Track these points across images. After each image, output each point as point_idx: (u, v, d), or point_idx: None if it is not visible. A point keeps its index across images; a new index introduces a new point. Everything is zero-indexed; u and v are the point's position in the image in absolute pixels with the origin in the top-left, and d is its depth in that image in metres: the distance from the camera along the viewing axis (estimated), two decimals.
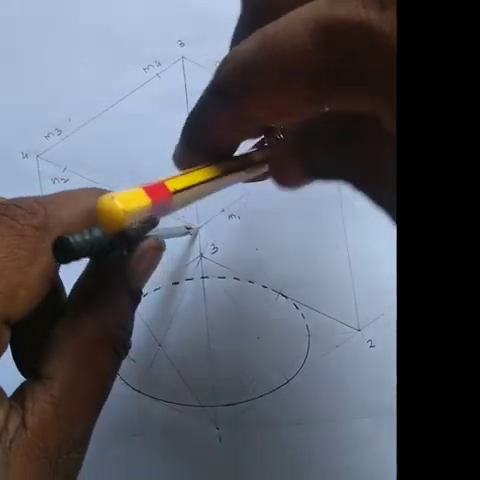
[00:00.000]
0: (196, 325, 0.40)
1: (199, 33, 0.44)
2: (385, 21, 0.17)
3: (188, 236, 0.42)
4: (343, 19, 0.18)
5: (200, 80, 0.44)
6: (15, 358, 0.26)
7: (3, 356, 0.24)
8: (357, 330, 0.40)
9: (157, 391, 0.40)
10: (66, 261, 0.20)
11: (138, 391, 0.40)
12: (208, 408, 0.39)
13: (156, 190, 0.20)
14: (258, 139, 0.30)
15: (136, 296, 0.27)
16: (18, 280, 0.22)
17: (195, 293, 0.41)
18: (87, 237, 0.20)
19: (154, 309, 0.40)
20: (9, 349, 0.24)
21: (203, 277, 0.41)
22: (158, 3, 0.45)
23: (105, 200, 0.18)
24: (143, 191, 0.19)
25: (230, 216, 0.42)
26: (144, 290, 0.40)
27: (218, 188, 0.26)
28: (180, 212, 0.41)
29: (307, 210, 0.42)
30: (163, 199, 0.20)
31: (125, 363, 0.38)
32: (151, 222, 0.22)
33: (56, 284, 0.27)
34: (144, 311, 0.40)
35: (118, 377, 0.39)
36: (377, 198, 0.24)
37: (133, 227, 0.21)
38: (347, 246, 0.41)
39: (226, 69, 0.23)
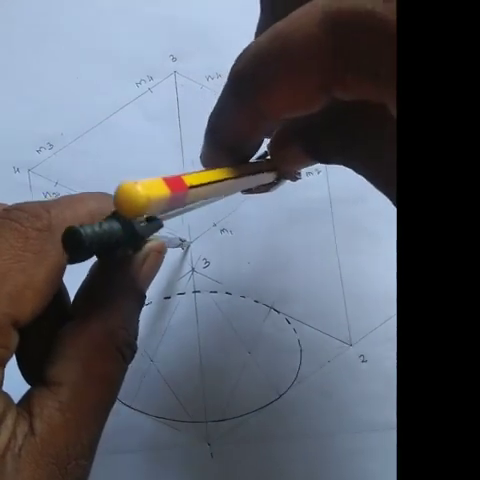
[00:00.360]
0: (188, 340, 0.40)
1: (191, 48, 0.45)
2: (390, 10, 0.18)
3: (180, 251, 0.42)
4: (349, 9, 0.19)
5: (192, 95, 0.44)
6: (20, 364, 0.26)
7: (9, 363, 0.24)
8: (349, 345, 0.40)
9: (148, 406, 0.39)
10: (75, 252, 0.20)
11: (129, 406, 0.39)
12: (199, 424, 0.39)
13: (174, 182, 0.20)
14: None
15: (140, 299, 0.27)
16: (24, 282, 0.22)
17: (187, 307, 0.41)
18: (97, 229, 0.20)
19: (146, 324, 0.40)
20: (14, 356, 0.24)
21: (195, 291, 0.41)
22: (150, 18, 0.45)
23: (127, 186, 0.18)
24: (163, 181, 0.19)
25: (222, 230, 0.42)
26: None
27: (230, 190, 0.27)
28: (172, 226, 0.41)
29: (299, 225, 0.42)
30: (180, 192, 0.20)
31: None
32: (158, 223, 0.23)
33: (60, 288, 0.26)
34: None
35: None
36: (376, 179, 0.25)
37: (142, 223, 0.21)
38: (339, 261, 0.41)
39: (240, 64, 0.23)
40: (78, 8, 0.45)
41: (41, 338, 0.25)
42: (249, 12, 0.46)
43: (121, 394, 0.39)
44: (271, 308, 0.41)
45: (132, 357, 0.26)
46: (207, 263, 0.42)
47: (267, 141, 0.29)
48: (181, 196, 0.21)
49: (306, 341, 0.40)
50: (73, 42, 0.45)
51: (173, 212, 0.25)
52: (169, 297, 0.41)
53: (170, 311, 0.41)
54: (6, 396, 0.23)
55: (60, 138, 0.43)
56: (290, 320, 0.40)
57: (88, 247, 0.20)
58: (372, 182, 0.25)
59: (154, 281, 0.40)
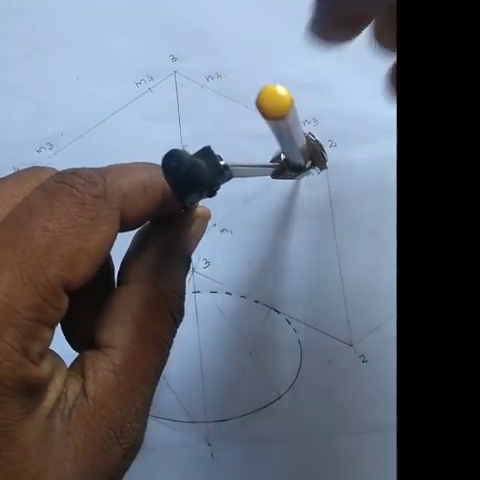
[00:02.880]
0: (188, 340, 0.40)
1: (191, 48, 0.44)
2: None
3: None
4: None
5: (192, 95, 0.44)
6: (65, 330, 0.26)
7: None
8: (349, 345, 0.40)
9: None
10: (171, 170, 0.21)
11: None
12: (200, 424, 0.39)
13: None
14: None
15: (188, 264, 0.28)
16: (78, 246, 0.22)
17: (187, 308, 0.40)
18: (191, 158, 0.21)
19: None
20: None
21: (195, 292, 0.41)
22: (150, 18, 0.45)
23: (271, 87, 0.18)
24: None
25: (222, 230, 0.42)
26: None
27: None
28: None
29: (299, 225, 0.42)
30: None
31: None
32: (229, 175, 0.24)
33: (110, 268, 0.27)
34: None
35: None
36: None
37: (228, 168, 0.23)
38: (339, 261, 0.41)
39: None
40: (78, 8, 0.45)
41: (87, 303, 0.25)
42: (249, 12, 0.46)
43: None
44: (271, 308, 0.41)
45: (181, 320, 0.27)
46: (207, 263, 0.41)
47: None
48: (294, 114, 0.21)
49: (306, 341, 0.40)
50: (73, 42, 0.45)
51: (240, 167, 0.26)
52: None
53: None
54: (55, 357, 0.23)
55: (60, 138, 0.43)
56: (290, 320, 0.40)
57: (186, 172, 0.20)
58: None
59: None
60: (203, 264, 0.42)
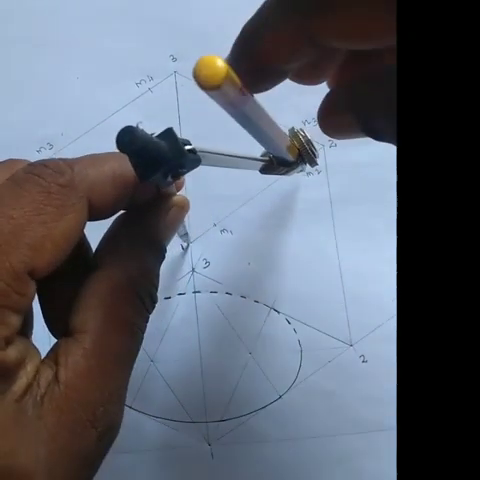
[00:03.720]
0: (188, 340, 0.40)
1: (191, 48, 0.44)
2: None
3: (180, 250, 0.42)
4: None
5: (192, 95, 0.44)
6: (46, 320, 0.27)
7: (40, 319, 0.25)
8: (349, 345, 0.40)
9: (148, 407, 0.39)
10: (125, 148, 0.21)
11: (129, 407, 0.39)
12: (200, 424, 0.39)
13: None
14: None
15: (161, 252, 0.28)
16: (43, 234, 0.22)
17: (187, 308, 0.41)
18: (148, 135, 0.21)
19: None
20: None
21: (195, 292, 0.41)
22: (150, 18, 0.45)
23: (208, 57, 0.18)
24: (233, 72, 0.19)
25: (222, 231, 0.42)
26: None
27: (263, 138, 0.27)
28: None
29: (299, 225, 0.42)
30: (245, 90, 0.21)
31: None
32: (197, 157, 0.24)
33: (82, 241, 0.27)
34: None
35: None
36: None
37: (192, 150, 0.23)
38: (339, 261, 0.41)
39: None
40: (78, 8, 0.45)
41: (66, 291, 0.26)
42: (249, 12, 0.46)
43: None
44: (271, 308, 0.41)
45: (153, 307, 0.27)
46: (207, 263, 0.42)
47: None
48: (245, 96, 0.21)
49: (306, 341, 0.40)
50: (73, 42, 0.45)
51: (210, 154, 0.26)
52: (169, 297, 0.41)
53: (170, 311, 0.41)
54: (28, 344, 0.24)
55: (60, 138, 0.43)
56: (290, 320, 0.40)
57: (140, 147, 0.20)
58: None
59: None
60: (203, 264, 0.42)
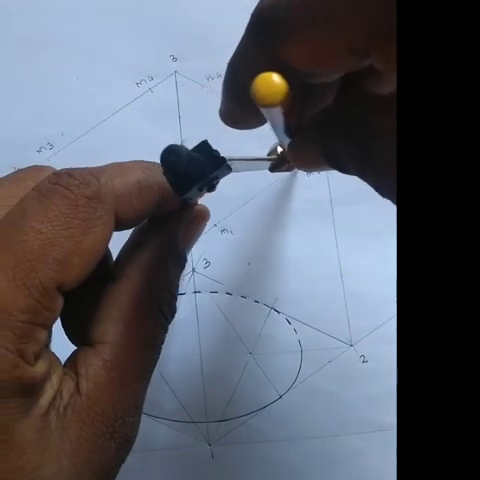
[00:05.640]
0: (188, 340, 0.40)
1: (191, 48, 0.44)
2: None
3: None
4: None
5: (192, 95, 0.44)
6: (65, 327, 0.27)
7: (59, 327, 0.25)
8: (349, 345, 0.40)
9: (148, 407, 0.39)
10: (170, 164, 0.21)
11: None
12: (200, 424, 0.39)
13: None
14: None
15: (182, 262, 0.28)
16: (71, 248, 0.22)
17: (187, 308, 0.41)
18: (189, 152, 0.21)
19: None
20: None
21: (195, 292, 0.41)
22: (150, 18, 0.45)
23: (265, 74, 0.18)
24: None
25: (222, 231, 0.42)
26: None
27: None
28: None
29: (299, 225, 0.42)
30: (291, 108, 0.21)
31: None
32: (228, 168, 0.24)
33: (110, 267, 0.27)
34: None
35: None
36: (392, 195, 0.22)
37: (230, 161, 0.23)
38: (339, 261, 0.41)
39: (267, 2, 0.21)
40: (78, 8, 0.45)
41: (86, 300, 0.26)
42: (249, 12, 0.46)
43: None
44: (271, 308, 0.41)
45: (172, 317, 0.27)
46: (207, 263, 0.41)
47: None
48: (292, 112, 0.21)
49: (307, 341, 0.40)
50: (73, 42, 0.45)
51: (238, 161, 0.26)
52: None
53: None
54: (52, 356, 0.24)
55: (60, 138, 0.43)
56: (290, 320, 0.40)
57: (184, 167, 0.21)
58: (387, 197, 0.23)
59: None
60: (203, 264, 0.42)
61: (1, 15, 0.45)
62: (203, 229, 0.30)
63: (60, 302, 0.22)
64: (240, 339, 0.40)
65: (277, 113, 0.20)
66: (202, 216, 0.29)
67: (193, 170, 0.22)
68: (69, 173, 0.23)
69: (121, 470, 0.38)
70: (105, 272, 0.27)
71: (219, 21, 0.44)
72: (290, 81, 0.21)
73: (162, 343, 0.26)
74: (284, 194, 0.42)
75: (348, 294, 0.41)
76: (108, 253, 0.28)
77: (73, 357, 0.24)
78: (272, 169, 0.34)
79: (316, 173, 0.42)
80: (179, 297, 0.41)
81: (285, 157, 0.33)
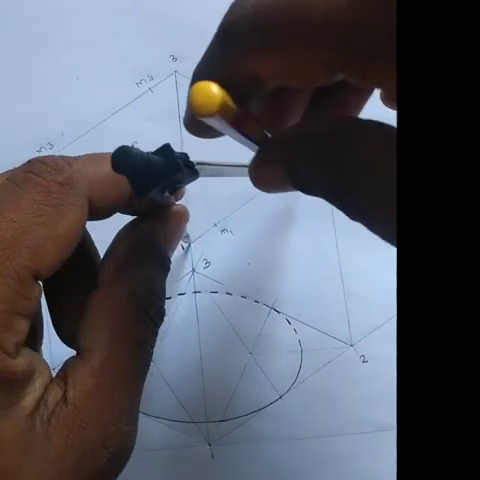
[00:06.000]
0: (188, 340, 0.40)
1: (191, 48, 0.44)
2: None
3: (180, 251, 0.42)
4: None
5: None
6: (55, 325, 0.27)
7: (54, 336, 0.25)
8: (349, 345, 0.40)
9: (148, 407, 0.39)
10: (121, 169, 0.20)
11: None
12: (200, 424, 0.39)
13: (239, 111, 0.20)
14: None
15: (165, 263, 0.28)
16: (45, 235, 0.22)
17: (187, 308, 0.41)
18: (144, 153, 0.21)
19: None
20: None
21: (195, 292, 0.41)
22: (150, 18, 0.45)
23: (202, 83, 0.18)
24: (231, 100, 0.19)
25: (222, 231, 0.42)
26: None
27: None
28: None
29: (299, 225, 0.42)
30: (243, 119, 0.21)
31: None
32: (195, 171, 0.24)
33: (88, 245, 0.27)
34: None
35: None
36: (361, 216, 0.21)
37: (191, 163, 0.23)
38: (339, 261, 0.41)
39: (233, 17, 0.21)
40: (78, 8, 0.45)
41: (73, 299, 0.26)
42: None
43: None
44: (272, 308, 0.41)
45: (161, 320, 0.27)
46: (207, 263, 0.41)
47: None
48: (242, 123, 0.21)
49: (307, 341, 0.40)
50: (73, 42, 0.45)
51: (210, 166, 0.25)
52: (169, 297, 0.41)
53: (171, 311, 0.41)
54: (35, 356, 0.23)
55: (60, 138, 0.43)
56: (290, 320, 0.40)
57: (135, 165, 0.21)
58: (356, 219, 0.21)
59: None
60: (203, 264, 0.42)
61: (1, 15, 0.45)
62: (183, 230, 0.29)
63: (37, 290, 0.22)
64: (240, 339, 0.40)
65: (219, 124, 0.20)
66: (179, 217, 0.29)
67: (149, 172, 0.22)
68: (41, 160, 0.23)
69: None
70: (90, 271, 0.27)
71: (219, 21, 0.44)
72: (247, 92, 0.21)
73: (152, 347, 0.26)
74: (284, 194, 0.42)
75: (348, 294, 0.41)
76: (93, 248, 0.28)
77: (64, 366, 0.24)
78: None
79: None
80: (179, 297, 0.41)
81: None
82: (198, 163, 0.24)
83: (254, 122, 0.23)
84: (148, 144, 0.43)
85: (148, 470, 0.39)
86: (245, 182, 0.42)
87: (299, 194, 0.43)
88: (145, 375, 0.25)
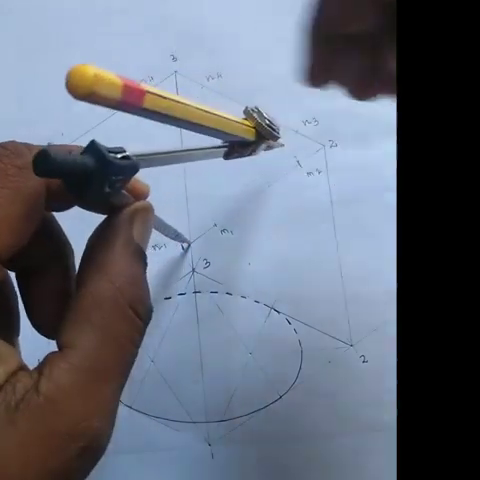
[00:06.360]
0: (188, 340, 0.40)
1: (191, 48, 0.44)
2: None
3: (180, 251, 0.42)
4: None
5: (192, 95, 0.44)
6: (31, 321, 0.27)
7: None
8: (349, 345, 0.40)
9: (149, 407, 0.39)
10: (43, 173, 0.20)
11: (130, 407, 0.39)
12: (200, 424, 0.39)
13: (130, 82, 0.20)
14: None
15: (141, 256, 0.27)
16: (0, 217, 0.22)
17: (187, 308, 0.41)
18: (68, 156, 0.21)
19: None
20: None
21: (195, 292, 0.41)
22: (150, 18, 0.45)
23: (77, 65, 0.18)
24: (115, 74, 0.19)
25: (222, 231, 0.42)
26: None
27: (195, 127, 0.27)
28: (173, 226, 0.41)
29: (300, 225, 0.42)
30: (134, 90, 0.21)
31: None
32: (132, 162, 0.23)
33: (61, 244, 0.27)
34: None
35: None
36: None
37: (115, 156, 0.22)
38: (339, 261, 0.41)
39: None
40: (78, 8, 0.45)
41: (45, 290, 0.26)
42: (249, 12, 0.46)
43: (121, 394, 0.39)
44: (272, 308, 0.41)
45: (148, 315, 0.26)
46: (208, 263, 0.41)
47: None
48: (135, 100, 0.21)
49: (307, 341, 0.40)
50: (73, 42, 0.45)
51: (151, 156, 0.25)
52: (170, 297, 0.41)
53: (171, 311, 0.41)
54: (4, 347, 0.23)
55: (60, 138, 0.43)
56: (291, 320, 0.40)
57: (57, 168, 0.20)
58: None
59: (154, 281, 0.40)
60: (203, 264, 0.42)
61: (1, 15, 0.45)
62: (151, 220, 0.29)
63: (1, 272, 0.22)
64: (240, 339, 0.40)
65: (109, 102, 0.20)
66: (143, 211, 0.28)
67: (77, 172, 0.21)
68: (2, 145, 0.24)
69: (121, 470, 0.38)
70: (61, 261, 0.27)
71: (219, 21, 0.44)
72: None
73: (136, 345, 0.25)
74: (284, 194, 0.42)
75: (348, 294, 0.41)
76: (67, 249, 0.28)
77: (44, 359, 0.24)
78: (225, 157, 0.33)
79: (316, 173, 0.42)
80: (179, 297, 0.41)
81: (234, 145, 0.32)
82: (135, 155, 0.23)
83: (155, 96, 0.22)
84: (148, 144, 0.43)
85: (148, 470, 0.39)
86: (245, 182, 0.42)
87: (299, 194, 0.44)
88: (127, 374, 0.25)
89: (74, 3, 0.45)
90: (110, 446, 0.37)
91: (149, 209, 0.28)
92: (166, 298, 0.41)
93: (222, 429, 0.39)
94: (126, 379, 0.25)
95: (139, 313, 0.25)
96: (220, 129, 0.28)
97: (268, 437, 0.39)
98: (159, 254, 0.41)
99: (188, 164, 0.43)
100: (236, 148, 0.33)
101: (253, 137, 0.34)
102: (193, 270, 0.41)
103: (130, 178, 0.24)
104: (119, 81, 0.20)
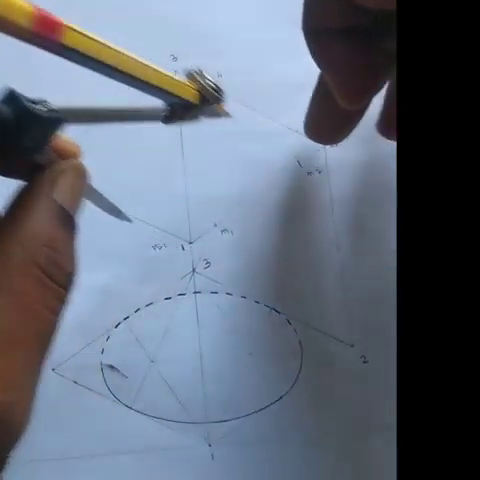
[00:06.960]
0: (188, 340, 0.40)
1: (192, 48, 0.44)
2: None
3: (180, 251, 0.41)
4: None
5: None
6: None
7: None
8: (350, 346, 0.40)
9: (149, 407, 0.39)
10: None
11: (130, 407, 0.39)
12: (200, 425, 0.39)
13: (45, 12, 0.19)
14: None
15: (65, 218, 0.24)
16: None
17: (187, 308, 0.41)
18: None
19: (146, 324, 0.40)
20: None
21: (195, 292, 0.41)
22: (150, 18, 0.45)
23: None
24: (29, 3, 0.18)
25: (223, 231, 0.42)
26: (136, 306, 0.40)
27: (125, 79, 0.25)
28: (172, 227, 0.41)
29: (300, 225, 0.42)
30: (49, 24, 0.19)
31: (116, 379, 0.38)
32: (57, 114, 0.22)
33: None
34: (136, 326, 0.40)
35: (109, 393, 0.39)
36: None
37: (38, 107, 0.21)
38: (340, 261, 0.41)
39: None
40: (78, 8, 0.45)
41: None
42: (249, 12, 0.46)
43: (121, 395, 0.39)
44: (272, 309, 0.41)
45: (68, 282, 0.24)
46: (208, 264, 0.41)
47: None
48: (50, 27, 0.20)
49: (307, 342, 0.40)
50: None
51: (77, 111, 0.24)
52: (169, 298, 0.41)
53: (170, 312, 0.41)
54: None
55: None
56: (291, 321, 0.40)
57: None
58: None
59: (154, 281, 0.40)
60: (203, 264, 0.41)
61: None
62: (83, 182, 0.26)
63: None
64: (240, 339, 0.40)
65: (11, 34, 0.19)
66: (76, 168, 0.26)
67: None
68: None
69: (121, 471, 0.38)
70: None
71: (219, 21, 0.44)
72: None
73: (55, 313, 0.23)
74: (284, 194, 0.42)
75: (348, 294, 0.41)
76: None
77: None
78: (165, 121, 0.31)
79: (316, 173, 0.42)
80: (179, 297, 0.41)
81: (176, 108, 0.31)
82: (60, 109, 0.22)
83: (77, 33, 0.21)
84: (148, 144, 0.43)
85: (148, 470, 0.39)
86: (245, 182, 0.42)
87: (299, 194, 0.44)
88: (45, 343, 0.23)
89: (73, 3, 0.45)
90: (110, 446, 0.37)
91: (78, 169, 0.26)
92: (166, 298, 0.41)
93: (222, 429, 0.39)
94: (45, 349, 0.23)
95: (56, 279, 0.23)
96: (156, 84, 0.26)
97: (268, 437, 0.39)
98: (159, 254, 0.41)
99: (188, 164, 0.42)
100: (177, 112, 0.31)
101: (197, 100, 0.32)
102: (193, 270, 0.41)
103: (54, 133, 0.22)
104: (30, 8, 0.18)
